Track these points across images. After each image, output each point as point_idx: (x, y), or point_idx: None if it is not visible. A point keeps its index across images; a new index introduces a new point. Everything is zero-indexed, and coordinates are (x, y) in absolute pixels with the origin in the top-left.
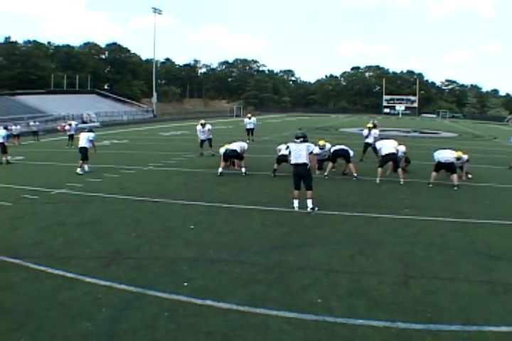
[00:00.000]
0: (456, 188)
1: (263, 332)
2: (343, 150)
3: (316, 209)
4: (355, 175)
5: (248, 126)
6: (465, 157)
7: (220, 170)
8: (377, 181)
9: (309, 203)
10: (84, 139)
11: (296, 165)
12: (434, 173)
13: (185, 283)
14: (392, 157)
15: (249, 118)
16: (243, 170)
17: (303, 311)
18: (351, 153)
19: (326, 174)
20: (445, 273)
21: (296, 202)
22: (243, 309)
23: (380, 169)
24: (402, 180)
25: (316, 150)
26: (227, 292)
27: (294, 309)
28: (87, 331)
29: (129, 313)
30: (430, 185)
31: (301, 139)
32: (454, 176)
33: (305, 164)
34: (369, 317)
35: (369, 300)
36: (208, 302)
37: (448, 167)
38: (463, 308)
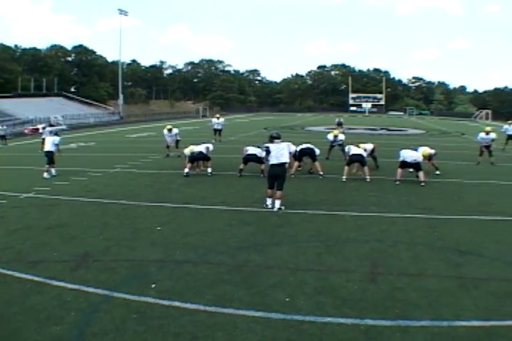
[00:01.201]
0: (423, 184)
1: (231, 332)
2: (308, 148)
3: (283, 208)
4: (321, 173)
5: (216, 127)
6: (432, 151)
7: (187, 170)
8: (344, 179)
9: (277, 204)
10: (49, 143)
11: (277, 165)
12: (399, 170)
13: (153, 285)
14: (359, 158)
15: (218, 118)
16: (209, 170)
17: (271, 310)
18: (317, 151)
19: (291, 173)
20: (413, 269)
21: (269, 200)
22: (211, 309)
23: (346, 167)
24: (368, 177)
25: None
26: (194, 293)
27: (262, 308)
28: (57, 335)
29: (97, 316)
30: (397, 182)
31: (280, 140)
32: (421, 173)
33: (285, 164)
34: (337, 315)
35: (337, 298)
36: (176, 303)
37: (414, 166)
38: (432, 304)
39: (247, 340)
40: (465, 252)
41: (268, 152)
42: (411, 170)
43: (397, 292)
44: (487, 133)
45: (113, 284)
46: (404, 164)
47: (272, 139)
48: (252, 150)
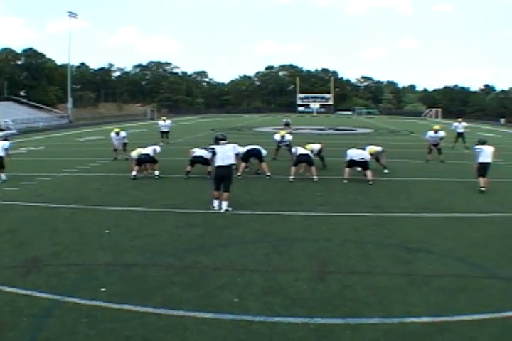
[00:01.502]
0: (371, 183)
1: (181, 334)
2: (255, 149)
3: (230, 209)
4: (268, 174)
5: (163, 129)
6: (379, 149)
7: (134, 173)
8: (291, 179)
9: (224, 205)
10: None
11: (223, 166)
12: (347, 169)
13: (103, 289)
14: (306, 158)
15: (164, 120)
16: (156, 172)
17: (220, 311)
18: (264, 152)
19: (239, 174)
20: (362, 267)
21: (216, 202)
22: (160, 312)
23: (293, 167)
24: (315, 177)
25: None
26: (143, 295)
27: (211, 309)
28: None
29: (49, 321)
30: (345, 181)
31: (225, 141)
32: (368, 172)
33: (231, 166)
34: (286, 315)
35: (285, 298)
36: (126, 306)
37: (361, 165)
38: (382, 301)
39: None
40: (414, 249)
41: (214, 153)
42: (359, 169)
43: (346, 290)
44: (436, 131)
45: (64, 289)
46: (352, 163)
47: (217, 141)
48: (198, 152)
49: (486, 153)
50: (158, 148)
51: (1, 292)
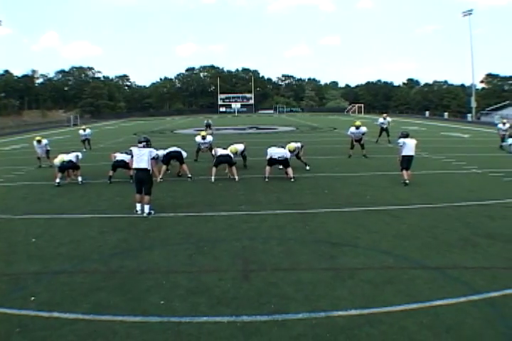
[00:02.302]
0: (293, 180)
1: (111, 339)
2: (175, 151)
3: (153, 212)
4: (189, 175)
5: (83, 138)
6: (298, 145)
7: (57, 180)
8: (212, 180)
9: (146, 208)
10: None
11: (138, 169)
12: (267, 168)
13: (32, 298)
14: (227, 159)
15: (84, 130)
16: (79, 179)
17: (147, 314)
18: (184, 154)
19: (160, 177)
20: (286, 263)
21: (138, 206)
22: (89, 317)
23: (214, 168)
24: (236, 177)
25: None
26: (72, 302)
27: (139, 313)
28: None
29: None
30: (266, 180)
31: (144, 143)
32: (289, 169)
33: (146, 169)
34: (213, 314)
35: (211, 298)
36: (55, 314)
37: (282, 162)
38: (308, 296)
39: None
40: (338, 244)
41: (132, 155)
42: (280, 167)
43: (272, 287)
44: (357, 127)
45: None
46: (272, 161)
47: (138, 143)
48: (120, 156)
49: (408, 146)
50: (80, 154)
51: None
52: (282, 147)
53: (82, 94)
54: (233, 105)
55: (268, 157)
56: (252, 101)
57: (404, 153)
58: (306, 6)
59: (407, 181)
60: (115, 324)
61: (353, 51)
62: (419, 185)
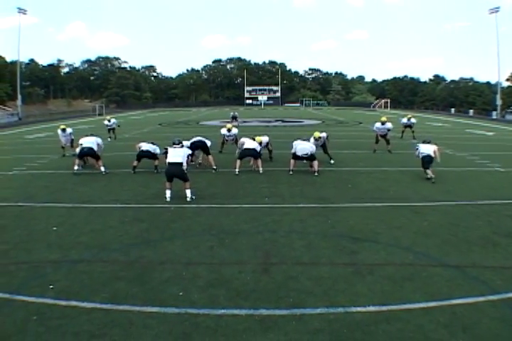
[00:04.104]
0: (316, 174)
1: (127, 329)
2: (200, 141)
3: (194, 198)
4: (214, 167)
5: (108, 127)
6: (324, 135)
7: (76, 167)
8: (236, 172)
9: (189, 193)
10: None
11: (172, 163)
12: (292, 161)
13: (51, 286)
14: (252, 152)
15: (109, 120)
16: (102, 169)
17: (165, 305)
18: (208, 143)
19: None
20: (307, 258)
21: (168, 193)
22: (106, 307)
23: (238, 161)
24: (261, 169)
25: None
26: (90, 291)
27: (156, 303)
28: None
29: None
30: (291, 173)
31: (181, 145)
32: (315, 163)
33: (181, 163)
34: (231, 307)
35: (230, 290)
36: (73, 302)
37: (307, 158)
38: (327, 291)
39: (143, 336)
40: (359, 239)
41: (166, 153)
42: (305, 161)
43: (291, 281)
44: (383, 123)
45: (13, 287)
46: (297, 157)
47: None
48: (145, 146)
49: (423, 149)
50: (100, 141)
51: None
52: (307, 140)
53: (108, 83)
54: (260, 97)
55: (293, 151)
56: (278, 94)
57: (421, 155)
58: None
59: (430, 177)
60: (133, 314)
61: (381, 46)
62: (442, 182)
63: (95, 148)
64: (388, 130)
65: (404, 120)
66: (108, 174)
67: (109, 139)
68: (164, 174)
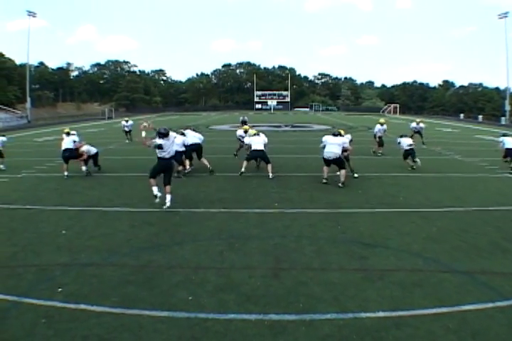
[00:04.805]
0: (341, 186)
1: (137, 333)
2: (197, 144)
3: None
4: (210, 167)
5: (125, 129)
6: (347, 138)
7: (66, 173)
8: (242, 170)
9: (168, 198)
10: None
11: (163, 159)
12: (325, 168)
13: (60, 289)
14: (261, 154)
15: (127, 121)
16: (83, 168)
17: (175, 309)
18: (201, 139)
19: (186, 171)
20: (317, 263)
21: (155, 190)
22: (116, 311)
23: (245, 162)
24: (271, 174)
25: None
26: (99, 295)
27: (166, 308)
28: None
29: (7, 322)
30: (324, 181)
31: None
32: (343, 172)
33: (171, 158)
34: (241, 311)
35: (240, 295)
36: (82, 306)
37: (336, 162)
38: (337, 297)
39: (153, 340)
40: (369, 244)
41: (160, 147)
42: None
43: (301, 286)
44: (382, 124)
45: (21, 290)
46: (326, 161)
47: (159, 135)
48: (192, 138)
49: (404, 142)
50: (76, 138)
51: None
52: (339, 134)
53: (118, 87)
54: (269, 102)
55: (322, 145)
56: (288, 99)
57: (406, 148)
58: (344, 5)
59: (416, 166)
60: (142, 318)
61: (390, 51)
62: (451, 188)
63: (71, 146)
64: (384, 131)
65: (414, 124)
66: (118, 177)
67: (126, 141)
68: (151, 170)
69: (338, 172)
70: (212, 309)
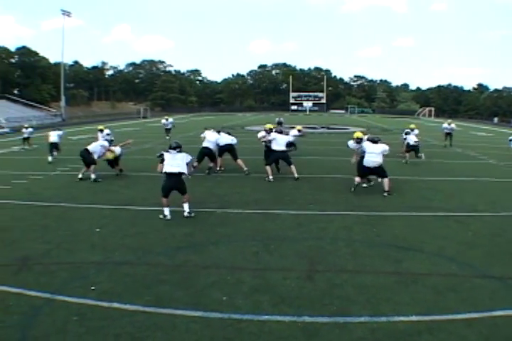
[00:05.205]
0: (386, 195)
1: (170, 332)
2: (229, 145)
3: (193, 214)
4: (245, 169)
5: (166, 127)
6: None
7: (80, 176)
8: (271, 179)
9: (186, 207)
10: None
11: (172, 174)
12: (357, 178)
13: (93, 287)
14: (284, 155)
15: (167, 119)
16: (92, 176)
17: (209, 309)
18: (234, 141)
19: (219, 169)
20: (351, 265)
21: (167, 210)
22: (149, 310)
23: (268, 167)
24: (296, 174)
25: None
26: (133, 294)
27: (200, 308)
28: (0, 339)
29: (39, 319)
30: (352, 190)
31: (178, 149)
32: (385, 181)
33: (181, 174)
34: (275, 313)
35: (274, 296)
36: (115, 304)
37: (377, 171)
38: (370, 300)
39: (186, 340)
40: (404, 248)
41: (162, 160)
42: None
43: (335, 289)
44: (412, 129)
45: (54, 287)
46: (366, 171)
47: (169, 148)
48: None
49: (412, 139)
50: (61, 132)
51: None
52: (378, 141)
53: (153, 87)
54: (305, 104)
55: (355, 147)
56: (323, 101)
57: (411, 143)
58: (379, 7)
59: (422, 158)
60: (175, 318)
61: (426, 54)
62: (486, 192)
63: (58, 141)
64: (416, 136)
65: (445, 125)
66: (152, 177)
67: (167, 137)
68: (161, 188)
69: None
70: (246, 310)
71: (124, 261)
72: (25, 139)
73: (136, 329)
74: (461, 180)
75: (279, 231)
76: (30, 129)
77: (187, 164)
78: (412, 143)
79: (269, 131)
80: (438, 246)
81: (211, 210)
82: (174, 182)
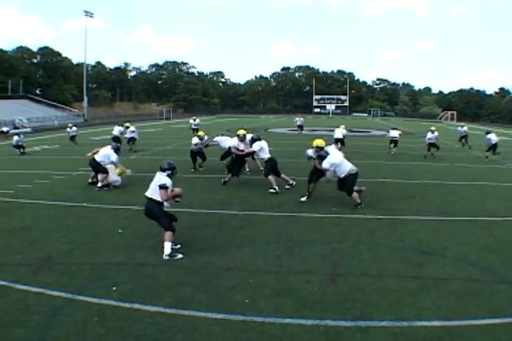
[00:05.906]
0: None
1: (191, 334)
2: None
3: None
4: (290, 182)
5: (193, 127)
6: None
7: (98, 184)
8: (277, 188)
9: (165, 247)
10: None
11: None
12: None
13: (114, 288)
14: (275, 160)
15: (194, 120)
16: (98, 184)
17: (231, 312)
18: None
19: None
20: (374, 269)
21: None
22: (171, 311)
23: (271, 178)
24: (291, 181)
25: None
26: (154, 295)
27: (222, 310)
28: (20, 339)
29: (60, 319)
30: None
31: (169, 172)
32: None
33: (151, 199)
34: (297, 316)
35: (296, 299)
36: (136, 305)
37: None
38: (393, 304)
39: None
40: (426, 252)
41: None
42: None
43: (358, 293)
44: (432, 132)
45: (75, 287)
46: None
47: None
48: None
49: (392, 133)
50: (112, 155)
51: (12, 289)
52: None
53: (176, 88)
54: (327, 106)
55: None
56: (346, 104)
57: (391, 138)
58: (402, 10)
59: (393, 153)
60: (197, 320)
61: (448, 57)
62: (508, 197)
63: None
64: (436, 138)
65: (459, 128)
66: (176, 178)
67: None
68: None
69: None
70: (268, 313)
71: (145, 262)
72: (72, 138)
73: (157, 330)
74: (484, 185)
75: (302, 234)
76: (74, 128)
77: (163, 189)
78: (391, 137)
79: (242, 138)
80: (460, 251)
81: (235, 213)
82: (145, 209)
